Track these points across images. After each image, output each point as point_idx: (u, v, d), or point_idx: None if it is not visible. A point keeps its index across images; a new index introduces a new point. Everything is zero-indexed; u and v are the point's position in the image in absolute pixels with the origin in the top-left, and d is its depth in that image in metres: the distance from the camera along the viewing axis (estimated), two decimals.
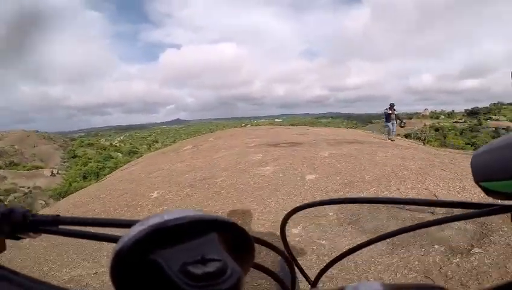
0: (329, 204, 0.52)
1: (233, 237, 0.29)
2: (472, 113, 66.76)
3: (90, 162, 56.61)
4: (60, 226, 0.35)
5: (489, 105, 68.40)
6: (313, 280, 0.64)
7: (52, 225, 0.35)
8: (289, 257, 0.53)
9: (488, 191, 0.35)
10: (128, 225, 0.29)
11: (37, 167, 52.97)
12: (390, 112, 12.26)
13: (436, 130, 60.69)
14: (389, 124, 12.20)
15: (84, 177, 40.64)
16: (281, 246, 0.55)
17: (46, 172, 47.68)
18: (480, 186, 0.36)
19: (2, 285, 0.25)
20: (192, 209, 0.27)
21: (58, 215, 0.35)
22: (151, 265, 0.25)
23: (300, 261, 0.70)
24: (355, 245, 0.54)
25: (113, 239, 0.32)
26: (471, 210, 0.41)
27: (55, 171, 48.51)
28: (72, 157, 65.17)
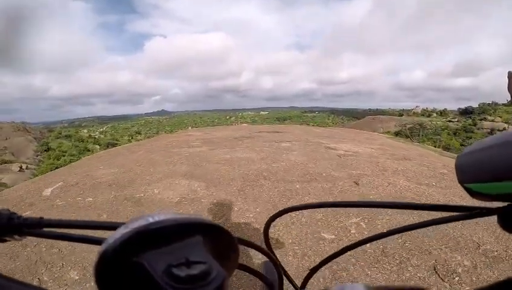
0: (311, 208, 0.53)
1: (218, 239, 0.30)
2: (465, 112, 65.38)
3: (64, 155, 52.79)
4: (45, 229, 0.35)
5: (479, 104, 67.20)
6: (297, 282, 0.65)
7: (37, 227, 0.35)
8: (276, 258, 0.54)
9: (472, 193, 0.35)
10: (114, 227, 0.29)
11: (6, 161, 48.74)
12: None
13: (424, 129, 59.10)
14: None
15: None
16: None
17: (15, 167, 43.66)
18: (464, 187, 0.36)
19: None
20: (177, 211, 0.28)
21: (42, 218, 0.35)
22: (135, 267, 0.25)
23: None
24: (342, 247, 0.54)
25: (97, 241, 0.32)
26: (457, 213, 0.41)
27: (24, 166, 44.49)
28: (46, 150, 60.84)
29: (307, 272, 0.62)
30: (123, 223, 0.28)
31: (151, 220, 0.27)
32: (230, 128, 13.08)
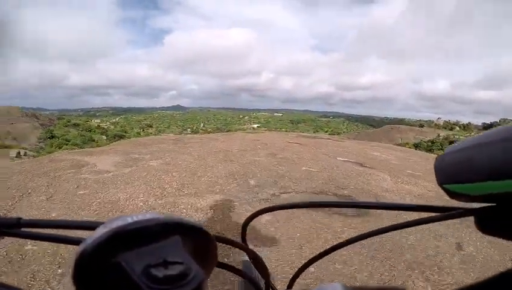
0: (291, 208, 0.52)
1: (196, 239, 0.30)
2: (490, 127, 61.33)
3: (67, 144, 51.08)
4: (23, 229, 0.34)
5: (500, 120, 63.04)
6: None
7: (15, 228, 0.34)
8: (258, 255, 0.53)
9: (451, 194, 0.35)
10: (93, 227, 0.29)
11: (6, 146, 47.19)
12: None
13: (451, 143, 55.18)
14: None
15: None
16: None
17: (12, 152, 41.87)
18: (443, 188, 0.35)
19: None
20: (156, 212, 0.28)
21: (20, 218, 0.34)
22: (113, 268, 0.25)
23: None
24: (327, 248, 0.53)
25: (76, 241, 0.31)
26: (435, 214, 0.41)
27: (23, 152, 42.73)
28: (49, 137, 59.34)
29: (294, 272, 0.61)
30: (102, 223, 0.28)
31: (129, 220, 0.27)
32: (235, 139, 8.91)
